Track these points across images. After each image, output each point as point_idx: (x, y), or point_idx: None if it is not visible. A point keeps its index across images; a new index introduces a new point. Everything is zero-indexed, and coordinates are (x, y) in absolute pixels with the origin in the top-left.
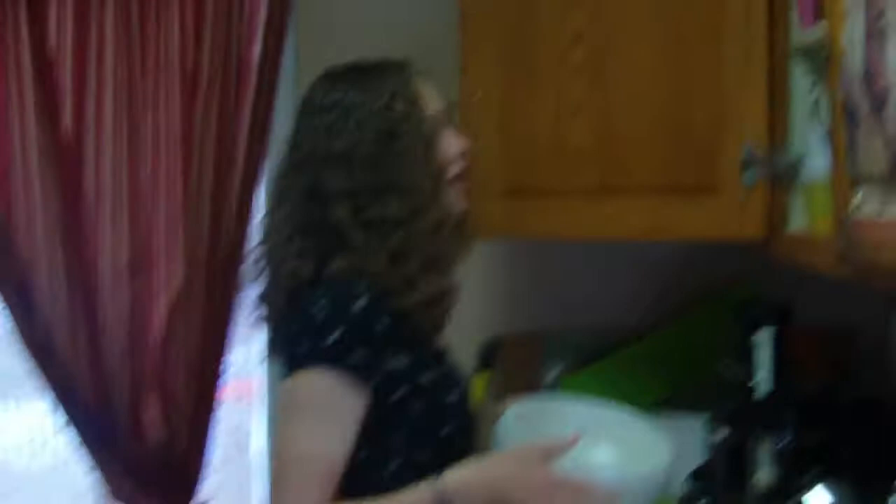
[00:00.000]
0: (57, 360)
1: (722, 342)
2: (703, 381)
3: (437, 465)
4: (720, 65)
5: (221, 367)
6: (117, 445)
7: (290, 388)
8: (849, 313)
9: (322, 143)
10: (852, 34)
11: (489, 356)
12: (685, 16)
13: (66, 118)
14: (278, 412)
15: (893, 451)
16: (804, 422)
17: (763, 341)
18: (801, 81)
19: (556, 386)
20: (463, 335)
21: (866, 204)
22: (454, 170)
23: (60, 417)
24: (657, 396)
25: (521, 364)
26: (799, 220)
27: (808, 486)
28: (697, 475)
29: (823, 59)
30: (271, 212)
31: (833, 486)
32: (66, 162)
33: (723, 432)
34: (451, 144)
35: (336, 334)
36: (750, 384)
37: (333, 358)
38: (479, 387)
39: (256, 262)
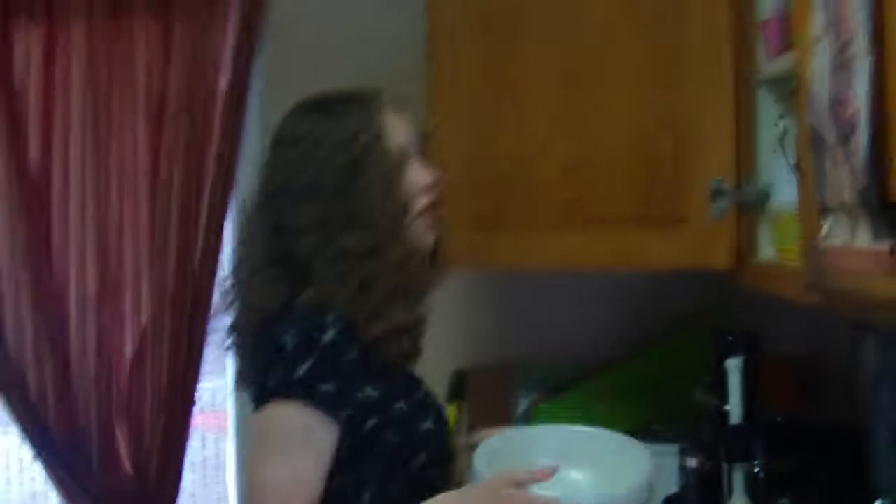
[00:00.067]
0: (25, 392)
1: (693, 371)
2: (675, 409)
3: (413, 493)
4: (687, 96)
5: (192, 397)
6: (88, 477)
7: (260, 421)
8: (818, 341)
9: (288, 177)
10: (820, 64)
11: (458, 386)
12: (652, 49)
13: (33, 149)
14: (250, 444)
15: (863, 477)
16: (775, 449)
17: (733, 369)
18: (767, 112)
19: (529, 416)
20: (433, 365)
21: (834, 233)
22: (422, 202)
23: (30, 450)
24: (630, 425)
25: (491, 394)
26: (767, 250)
27: None
28: (671, 503)
29: (791, 90)
30: (242, 243)
31: None
32: (32, 192)
33: (695, 460)
34: (420, 176)
35: (305, 366)
36: (722, 412)
37: (303, 390)
38: (450, 417)
39: (226, 292)
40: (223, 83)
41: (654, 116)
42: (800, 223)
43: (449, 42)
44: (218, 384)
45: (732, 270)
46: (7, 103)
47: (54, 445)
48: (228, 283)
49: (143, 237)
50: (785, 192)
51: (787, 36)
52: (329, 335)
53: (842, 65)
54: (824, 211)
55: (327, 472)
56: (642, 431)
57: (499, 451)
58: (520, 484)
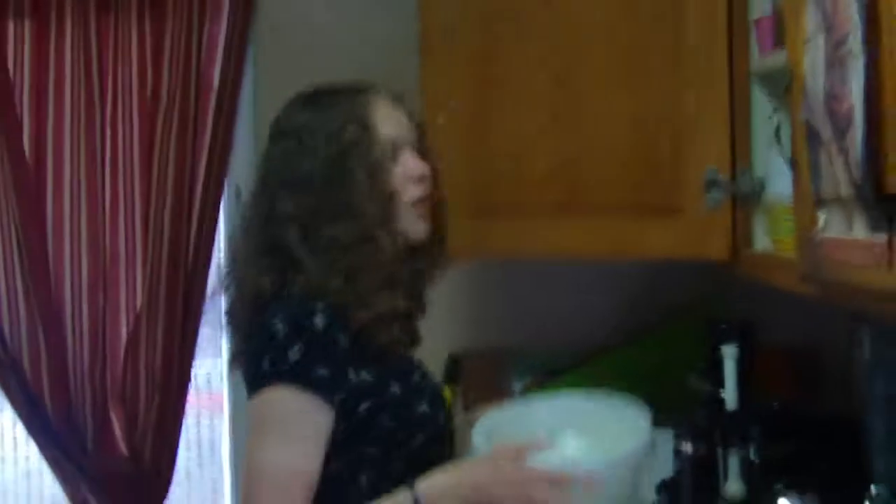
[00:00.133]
0: (20, 374)
1: (688, 359)
2: (671, 396)
3: (411, 475)
4: (682, 88)
5: (186, 380)
6: (83, 459)
7: (255, 407)
8: (813, 331)
9: (281, 168)
10: (814, 61)
11: (454, 371)
12: (647, 40)
13: (27, 139)
14: (247, 431)
15: (857, 466)
16: (770, 436)
17: (728, 357)
18: (761, 105)
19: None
20: (429, 349)
21: (829, 225)
22: (413, 193)
23: (25, 430)
24: None
25: (485, 379)
26: (763, 240)
27: (775, 500)
28: (665, 488)
29: (784, 85)
30: (237, 232)
31: (799, 500)
32: (25, 183)
33: (690, 446)
34: (411, 167)
35: (296, 352)
36: (717, 398)
37: (294, 375)
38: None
39: (222, 279)
40: (215, 76)
41: (650, 108)
42: (795, 215)
43: (442, 35)
44: (213, 365)
45: (728, 261)
46: (0, 98)
47: (49, 426)
48: (224, 270)
49: (137, 225)
50: (780, 183)
51: (780, 33)
52: (319, 321)
53: (836, 61)
54: (819, 203)
55: (324, 456)
56: None
57: (496, 424)
58: (518, 454)
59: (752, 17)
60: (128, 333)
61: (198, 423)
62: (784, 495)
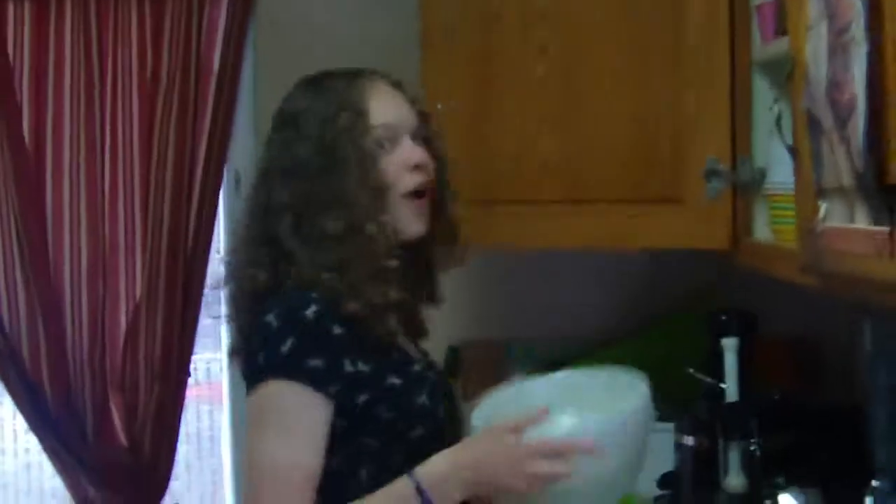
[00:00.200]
0: (19, 365)
1: (689, 350)
2: (671, 387)
3: (411, 467)
4: (683, 77)
5: (186, 369)
6: (82, 450)
7: (252, 402)
8: (814, 321)
9: (278, 155)
10: (816, 49)
11: (454, 362)
12: (649, 29)
13: (25, 125)
14: (247, 425)
15: (859, 458)
16: (771, 428)
17: (729, 349)
18: (763, 94)
19: None
20: (429, 342)
21: (830, 214)
22: (408, 183)
23: (25, 421)
24: None
25: (486, 370)
26: (763, 230)
27: (776, 492)
28: (666, 481)
29: (786, 74)
30: (239, 224)
31: (800, 492)
32: (24, 168)
33: (691, 439)
34: (407, 156)
35: (289, 344)
36: (718, 390)
37: (288, 368)
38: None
39: (224, 273)
40: (215, 60)
41: (651, 98)
42: (796, 205)
43: (443, 23)
44: (212, 356)
45: (728, 251)
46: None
47: (49, 417)
48: (224, 260)
49: (136, 212)
50: (781, 173)
51: (782, 20)
52: (311, 312)
53: (838, 49)
54: (821, 193)
55: (324, 448)
56: None
57: (495, 406)
58: (515, 428)
59: (753, 3)
60: (127, 323)
61: (198, 414)
62: (786, 488)
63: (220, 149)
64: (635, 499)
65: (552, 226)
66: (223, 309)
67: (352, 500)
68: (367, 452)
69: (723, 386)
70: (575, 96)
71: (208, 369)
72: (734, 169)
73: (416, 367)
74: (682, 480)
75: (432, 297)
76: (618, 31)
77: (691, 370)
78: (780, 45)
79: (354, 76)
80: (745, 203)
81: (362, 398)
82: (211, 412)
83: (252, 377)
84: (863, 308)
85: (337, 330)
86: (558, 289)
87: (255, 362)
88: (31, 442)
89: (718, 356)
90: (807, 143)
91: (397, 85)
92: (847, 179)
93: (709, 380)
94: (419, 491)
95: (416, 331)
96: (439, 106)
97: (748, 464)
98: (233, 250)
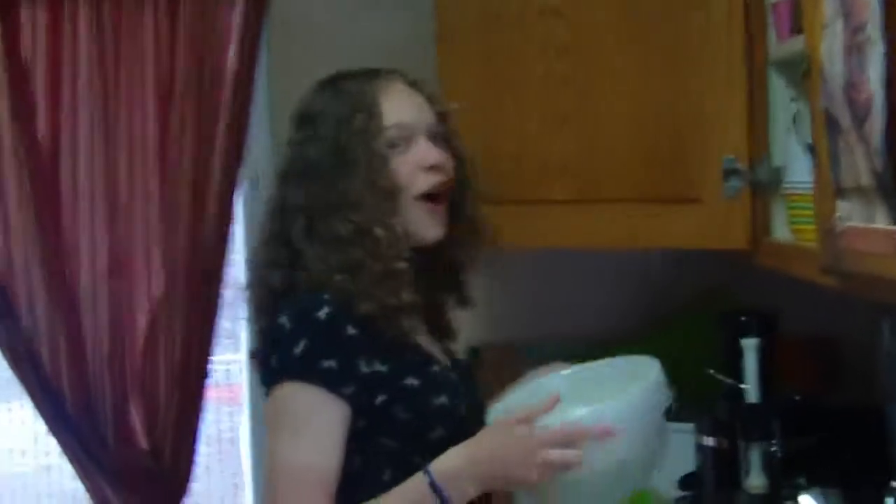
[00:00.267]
0: (39, 368)
1: (708, 350)
2: (690, 388)
3: None
4: (700, 76)
5: (205, 371)
6: (102, 453)
7: (269, 405)
8: (834, 321)
9: (294, 157)
10: (832, 46)
11: (473, 364)
12: (664, 28)
13: (41, 127)
14: (266, 428)
15: (880, 458)
16: (792, 429)
17: (749, 350)
18: (780, 93)
19: None
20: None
21: (849, 214)
22: (422, 184)
23: (44, 424)
24: None
25: (504, 370)
26: (782, 229)
27: (797, 493)
28: (687, 482)
29: (802, 72)
30: (260, 222)
31: (822, 493)
32: (41, 171)
33: (711, 440)
34: (421, 156)
35: (302, 346)
36: (738, 390)
37: (301, 370)
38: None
39: (245, 270)
40: (231, 61)
41: (667, 98)
42: (815, 205)
43: (458, 22)
44: (232, 358)
45: (747, 250)
46: (15, 84)
47: (69, 420)
48: (246, 261)
49: (153, 214)
50: (799, 172)
51: (797, 19)
52: (324, 313)
53: (854, 48)
54: (839, 193)
55: (342, 449)
56: None
57: (510, 403)
58: (527, 420)
59: (769, 1)
60: (146, 325)
61: (217, 416)
62: (807, 489)
63: (237, 150)
64: (651, 496)
65: (567, 226)
66: (243, 311)
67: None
68: (387, 453)
69: (743, 386)
70: (590, 95)
71: (228, 371)
72: (752, 168)
73: (436, 368)
74: (703, 481)
75: (461, 300)
76: (633, 30)
77: (712, 371)
78: (796, 44)
79: (371, 76)
80: (764, 202)
81: (380, 398)
82: (231, 414)
83: (267, 380)
84: (883, 308)
85: (351, 331)
86: (577, 289)
87: (269, 365)
88: (51, 444)
89: (738, 356)
90: (825, 142)
91: (415, 84)
92: (866, 179)
93: (729, 380)
94: (433, 487)
95: (443, 332)
96: (455, 105)
97: (769, 464)
98: (253, 252)
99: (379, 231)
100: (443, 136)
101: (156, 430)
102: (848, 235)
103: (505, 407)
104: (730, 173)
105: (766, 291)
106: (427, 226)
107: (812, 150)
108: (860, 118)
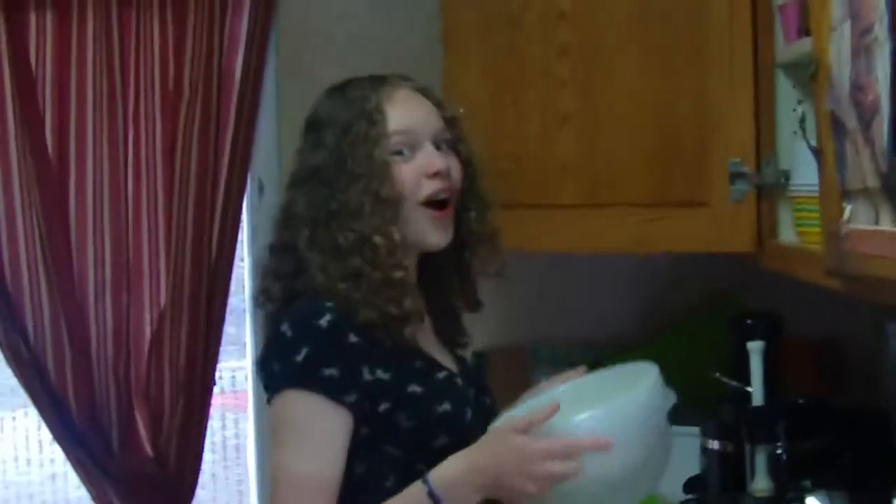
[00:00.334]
0: (44, 376)
1: (714, 353)
2: (696, 392)
3: None
4: (706, 79)
5: (210, 379)
6: (108, 461)
7: (271, 412)
8: (840, 323)
9: (300, 164)
10: (839, 50)
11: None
12: (671, 30)
13: (49, 136)
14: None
15: (886, 460)
16: (797, 432)
17: (754, 352)
18: (786, 95)
19: None
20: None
21: (855, 216)
22: (425, 190)
23: (49, 432)
24: None
25: (511, 375)
26: (788, 232)
27: (803, 496)
28: (692, 485)
29: (809, 75)
30: (270, 230)
31: (827, 496)
32: (48, 177)
33: (717, 443)
34: (425, 164)
35: (303, 354)
36: (744, 393)
37: (302, 378)
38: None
39: (254, 276)
40: (238, 68)
41: (673, 101)
42: (821, 207)
43: (465, 25)
44: (237, 365)
45: (753, 253)
46: (22, 89)
47: (74, 428)
48: (255, 269)
49: (160, 220)
50: (805, 174)
51: (805, 21)
52: (325, 321)
53: (862, 49)
54: (845, 195)
55: (344, 457)
56: None
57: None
58: (525, 427)
59: (776, 3)
60: (151, 332)
61: (223, 423)
62: (812, 492)
63: (244, 156)
64: (659, 501)
65: (573, 230)
66: (247, 317)
67: None
68: (390, 460)
69: (748, 389)
70: (596, 98)
71: (233, 378)
72: (758, 171)
73: (440, 375)
74: (709, 484)
75: (469, 304)
76: (639, 32)
77: (717, 374)
78: (804, 46)
79: (377, 83)
80: (770, 205)
81: (383, 406)
82: (236, 421)
83: (269, 388)
84: (888, 310)
85: (352, 339)
86: (583, 292)
87: (271, 373)
88: (56, 452)
89: (743, 359)
90: (831, 144)
91: (423, 90)
92: (872, 181)
93: (734, 383)
94: (432, 496)
95: (455, 338)
96: (461, 110)
97: (775, 467)
98: (260, 259)
99: (378, 240)
100: (451, 142)
101: (161, 437)
102: (853, 238)
103: (508, 418)
104: (736, 176)
105: (772, 294)
106: (432, 232)
107: (818, 152)
108: (867, 120)
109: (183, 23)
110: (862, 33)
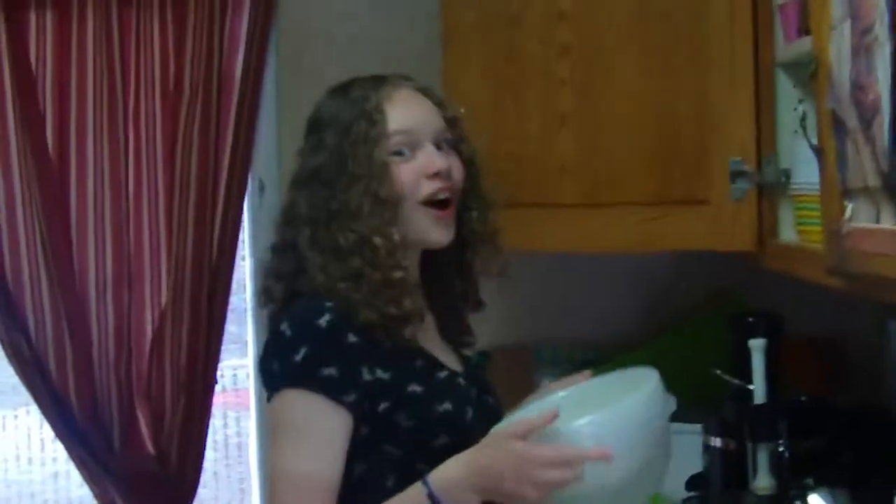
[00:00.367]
0: (46, 374)
1: (716, 351)
2: (698, 390)
3: None
4: (706, 78)
5: (212, 377)
6: (110, 459)
7: (270, 411)
8: (841, 322)
9: (302, 165)
10: (840, 47)
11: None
12: (671, 29)
13: (48, 133)
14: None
15: (888, 458)
16: (799, 430)
17: (756, 350)
18: (786, 94)
19: None
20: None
21: (856, 215)
22: (424, 190)
23: (51, 430)
24: None
25: (513, 374)
26: (789, 232)
27: (805, 494)
28: (694, 483)
29: (809, 74)
30: (273, 230)
31: (829, 494)
32: (48, 176)
33: (719, 440)
34: (425, 164)
35: (302, 354)
36: (745, 391)
37: (301, 377)
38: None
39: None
40: (238, 68)
41: (674, 100)
42: (821, 206)
43: (465, 25)
44: (239, 363)
45: (754, 252)
46: (23, 89)
47: (75, 426)
48: (257, 268)
49: (161, 220)
50: (806, 173)
51: (805, 20)
52: (324, 321)
53: (862, 49)
54: (846, 194)
55: (343, 457)
56: None
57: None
58: (524, 432)
59: (776, 2)
60: (153, 330)
61: (225, 421)
62: (814, 490)
63: (244, 156)
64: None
65: (575, 229)
66: (249, 316)
67: None
68: (390, 460)
69: (750, 387)
70: (596, 97)
71: (235, 376)
72: (759, 170)
73: (441, 374)
74: (711, 482)
75: (471, 305)
76: (639, 32)
77: (718, 372)
78: (804, 45)
79: (378, 83)
80: (771, 204)
81: (383, 406)
82: (238, 419)
83: (268, 387)
84: (889, 309)
85: (352, 338)
86: (584, 292)
87: (270, 372)
88: (58, 451)
89: (745, 357)
90: (832, 143)
91: (423, 90)
92: (872, 180)
93: (736, 381)
94: (431, 497)
95: (460, 337)
96: (462, 110)
97: (776, 465)
98: (262, 259)
99: (378, 241)
100: (452, 142)
101: (163, 436)
102: (854, 236)
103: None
104: (737, 175)
105: (773, 293)
106: (433, 230)
107: (819, 151)
108: (867, 119)
109: (183, 23)
110: (862, 32)
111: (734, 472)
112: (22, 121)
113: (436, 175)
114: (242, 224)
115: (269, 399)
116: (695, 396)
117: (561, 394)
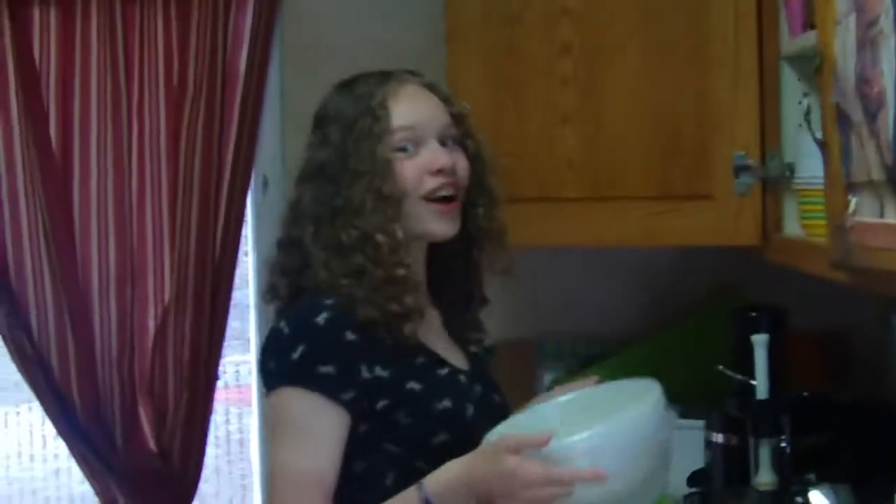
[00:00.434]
0: (48, 371)
1: (719, 346)
2: (700, 385)
3: None
4: (711, 72)
5: (214, 373)
6: (111, 456)
7: (269, 409)
8: (845, 316)
9: (307, 161)
10: (844, 42)
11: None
12: (675, 23)
13: (52, 129)
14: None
15: (891, 453)
16: (802, 425)
17: (759, 345)
18: (791, 88)
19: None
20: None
21: (860, 209)
22: (427, 186)
23: (53, 427)
24: None
25: (516, 369)
26: (793, 225)
27: (807, 489)
28: (696, 479)
29: (814, 68)
30: (279, 226)
31: (832, 489)
32: (52, 172)
33: (721, 436)
34: (429, 160)
35: (299, 351)
36: (748, 387)
37: (298, 375)
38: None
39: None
40: (242, 64)
41: (677, 94)
42: (826, 200)
43: (467, 22)
44: (241, 359)
45: (758, 246)
46: (26, 86)
47: (77, 423)
48: (263, 265)
49: (164, 216)
50: (810, 167)
51: (810, 14)
52: (322, 318)
53: (867, 42)
54: (850, 188)
55: (340, 455)
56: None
57: (510, 427)
58: (520, 446)
59: None
60: (155, 327)
61: (227, 417)
62: (816, 485)
63: (248, 152)
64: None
65: (579, 224)
66: (252, 312)
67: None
68: (390, 458)
69: (753, 383)
70: (599, 93)
71: (237, 372)
72: (763, 164)
73: (442, 371)
74: (713, 478)
75: (475, 300)
76: (642, 29)
77: (721, 367)
78: (809, 39)
79: (383, 78)
80: (775, 198)
81: (381, 404)
82: (240, 416)
83: (266, 385)
84: (893, 303)
85: (350, 336)
86: (588, 286)
87: (268, 370)
88: (60, 448)
89: (748, 353)
90: (836, 137)
91: (430, 86)
92: (877, 173)
93: (739, 377)
94: (426, 502)
95: (465, 333)
96: (466, 104)
97: (779, 461)
98: (268, 255)
99: (380, 238)
100: (457, 138)
101: (165, 432)
102: (858, 230)
103: (504, 431)
104: (741, 169)
105: (777, 287)
106: (438, 223)
107: (823, 145)
108: (872, 113)
109: (187, 19)
110: (867, 26)
111: (736, 467)
112: (26, 117)
113: (439, 171)
114: (246, 220)
115: (267, 396)
116: (697, 391)
117: (562, 399)
